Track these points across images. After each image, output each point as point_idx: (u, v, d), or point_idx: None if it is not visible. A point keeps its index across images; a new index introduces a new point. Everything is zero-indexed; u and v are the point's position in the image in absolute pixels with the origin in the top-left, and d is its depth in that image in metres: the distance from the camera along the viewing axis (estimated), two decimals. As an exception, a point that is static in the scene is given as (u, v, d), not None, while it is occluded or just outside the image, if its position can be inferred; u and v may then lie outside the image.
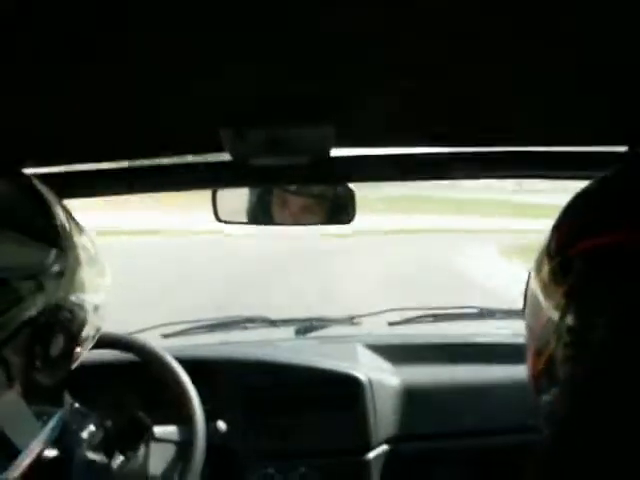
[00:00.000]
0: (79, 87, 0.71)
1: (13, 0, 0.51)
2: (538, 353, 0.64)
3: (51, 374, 0.77)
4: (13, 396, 0.74)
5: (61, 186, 1.11)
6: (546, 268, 0.63)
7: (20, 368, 0.71)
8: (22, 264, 0.69)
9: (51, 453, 1.17)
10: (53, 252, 0.73)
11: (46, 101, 0.76)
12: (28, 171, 0.97)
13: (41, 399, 0.82)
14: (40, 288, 0.70)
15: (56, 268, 0.73)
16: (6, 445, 0.76)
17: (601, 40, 0.63)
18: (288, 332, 1.80)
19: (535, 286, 0.66)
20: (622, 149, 0.96)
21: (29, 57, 0.62)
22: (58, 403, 0.99)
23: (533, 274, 0.67)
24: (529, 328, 0.68)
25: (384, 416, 1.45)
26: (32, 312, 0.69)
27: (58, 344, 0.76)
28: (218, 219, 1.26)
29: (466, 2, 0.55)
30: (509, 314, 1.78)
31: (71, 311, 0.77)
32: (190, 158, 1.08)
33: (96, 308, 0.84)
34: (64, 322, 0.76)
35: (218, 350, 1.60)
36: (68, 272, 0.75)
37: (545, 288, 0.63)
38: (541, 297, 0.63)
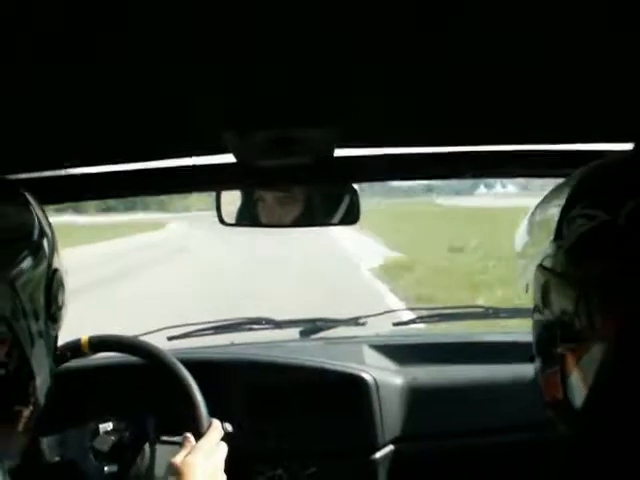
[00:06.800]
0: (79, 89, 0.71)
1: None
2: None
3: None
4: None
5: (66, 189, 1.12)
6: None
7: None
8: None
9: (57, 462, 1.17)
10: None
11: (46, 102, 0.76)
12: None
13: None
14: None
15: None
16: None
17: (603, 37, 0.63)
18: (293, 333, 1.80)
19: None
20: (628, 147, 0.96)
21: (29, 57, 0.61)
22: None
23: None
24: None
25: (390, 416, 1.44)
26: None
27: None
28: (222, 222, 1.26)
29: (465, 1, 0.55)
30: (514, 313, 1.78)
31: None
32: (194, 160, 1.08)
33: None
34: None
35: (223, 352, 1.60)
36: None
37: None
38: None
